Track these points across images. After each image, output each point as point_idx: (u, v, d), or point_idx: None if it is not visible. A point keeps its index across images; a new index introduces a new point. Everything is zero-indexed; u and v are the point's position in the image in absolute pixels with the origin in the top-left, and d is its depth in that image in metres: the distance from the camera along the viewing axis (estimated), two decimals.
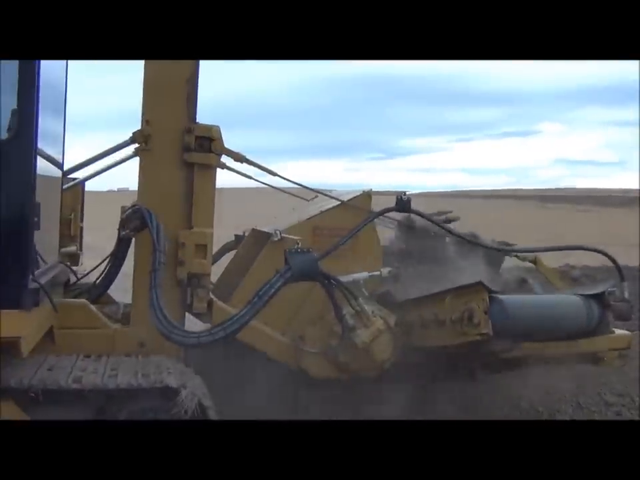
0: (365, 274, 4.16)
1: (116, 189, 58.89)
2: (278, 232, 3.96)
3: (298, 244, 3.63)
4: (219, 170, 3.96)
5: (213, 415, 3.16)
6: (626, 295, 3.90)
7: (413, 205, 3.95)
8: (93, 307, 3.68)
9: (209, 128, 3.81)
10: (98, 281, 4.11)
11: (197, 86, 3.77)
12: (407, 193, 3.95)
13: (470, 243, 4.11)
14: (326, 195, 4.41)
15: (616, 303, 3.80)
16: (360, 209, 4.18)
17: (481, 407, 4.23)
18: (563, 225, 29.43)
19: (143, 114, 3.70)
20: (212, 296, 3.99)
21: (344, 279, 4.06)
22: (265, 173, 4.21)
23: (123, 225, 3.73)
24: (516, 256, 4.58)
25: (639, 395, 4.21)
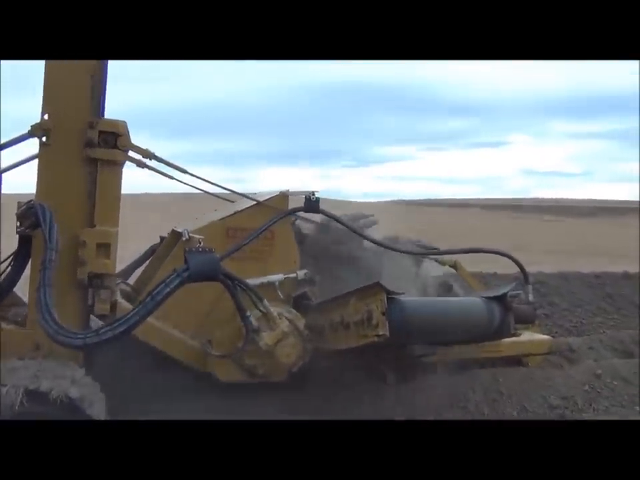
0: (279, 276, 4.09)
1: None
2: (186, 231, 3.87)
3: (200, 243, 3.53)
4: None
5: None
6: (530, 297, 3.90)
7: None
8: None
9: (114, 123, 3.70)
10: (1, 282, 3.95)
11: (102, 80, 3.67)
12: (316, 193, 3.90)
13: (375, 243, 4.06)
14: (243, 196, 4.31)
15: (519, 306, 3.79)
16: (276, 209, 4.11)
17: (429, 407, 4.24)
18: (529, 234, 29.87)
19: (43, 106, 3.56)
20: (119, 297, 3.87)
21: (257, 280, 3.99)
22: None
23: (19, 222, 3.59)
24: (435, 259, 4.57)
25: None
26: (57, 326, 3.06)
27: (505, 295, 3.62)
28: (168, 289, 3.19)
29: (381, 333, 3.19)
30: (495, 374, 4.73)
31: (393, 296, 3.28)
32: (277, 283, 4.06)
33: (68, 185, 3.61)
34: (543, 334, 5.52)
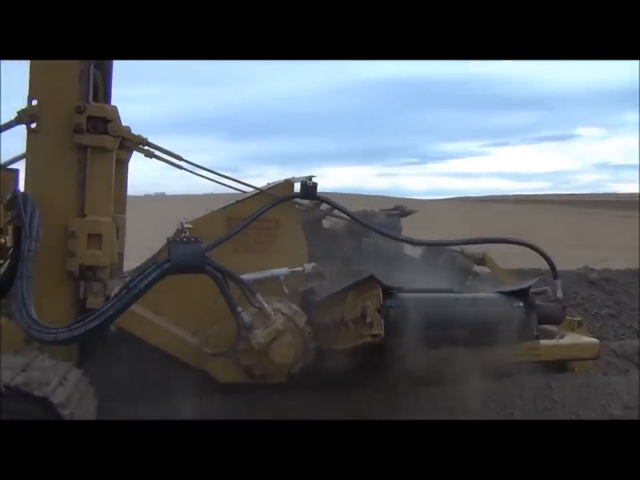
0: (284, 270, 3.79)
1: (152, 194, 59.94)
2: (181, 222, 3.65)
3: (186, 232, 3.29)
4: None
5: None
6: (558, 294, 3.39)
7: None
8: None
9: (104, 108, 3.54)
10: (1, 275, 3.87)
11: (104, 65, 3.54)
12: (313, 178, 3.56)
13: (382, 234, 3.67)
14: (249, 186, 4.04)
15: (545, 304, 3.30)
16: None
17: (469, 414, 3.89)
18: (599, 230, 28.26)
19: (30, 91, 3.44)
20: (116, 290, 3.71)
21: (261, 274, 3.72)
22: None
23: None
24: (461, 253, 4.13)
25: None
26: (31, 320, 2.92)
27: (526, 289, 3.13)
28: (146, 282, 2.98)
29: (375, 332, 2.82)
30: (547, 380, 4.35)
31: (392, 291, 2.89)
32: (282, 278, 3.76)
33: (57, 173, 3.48)
34: (593, 336, 4.98)
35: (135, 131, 3.78)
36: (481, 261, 4.15)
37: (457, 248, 4.20)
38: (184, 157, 3.78)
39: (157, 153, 3.93)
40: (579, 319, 4.66)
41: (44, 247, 3.35)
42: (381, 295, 2.84)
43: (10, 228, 4.86)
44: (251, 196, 3.89)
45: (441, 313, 3.04)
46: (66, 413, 2.82)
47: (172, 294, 3.58)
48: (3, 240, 4.82)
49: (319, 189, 3.71)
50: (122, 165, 4.30)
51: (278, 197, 3.69)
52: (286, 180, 3.88)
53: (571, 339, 4.36)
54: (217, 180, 3.97)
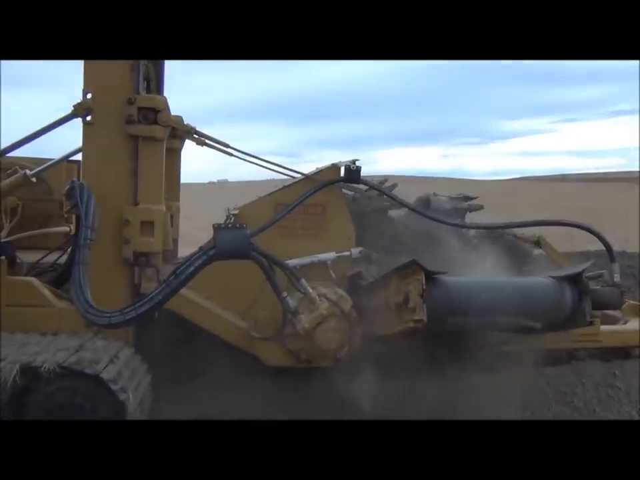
0: (331, 254, 3.79)
1: (216, 181, 61.35)
2: (229, 209, 3.71)
3: (231, 218, 3.34)
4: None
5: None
6: (616, 278, 3.19)
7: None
8: (39, 284, 3.63)
9: (153, 98, 3.63)
10: (65, 262, 4.09)
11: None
12: (357, 161, 3.52)
13: (432, 219, 3.58)
14: (295, 172, 4.05)
15: (600, 288, 3.12)
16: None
17: (525, 401, 3.84)
18: None
19: (85, 85, 3.58)
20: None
21: (308, 259, 3.74)
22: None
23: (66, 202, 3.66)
24: (515, 236, 3.98)
25: None
26: (87, 304, 3.07)
27: (579, 274, 2.98)
28: (192, 268, 3.06)
29: (416, 317, 2.77)
30: (611, 367, 4.15)
31: (436, 276, 2.83)
32: (329, 262, 3.77)
33: (111, 164, 3.61)
34: None
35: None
36: (536, 242, 3.99)
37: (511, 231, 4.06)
38: (237, 145, 3.89)
39: (207, 141, 4.04)
40: None
41: (102, 235, 3.50)
42: (424, 279, 2.79)
43: (74, 217, 5.14)
44: (298, 181, 3.91)
45: (486, 298, 2.95)
46: (116, 388, 2.98)
47: (221, 279, 3.66)
48: (67, 228, 5.12)
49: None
50: (174, 154, 4.43)
51: (322, 181, 3.68)
52: (332, 164, 3.86)
53: (634, 324, 4.14)
54: (263, 165, 4.04)
